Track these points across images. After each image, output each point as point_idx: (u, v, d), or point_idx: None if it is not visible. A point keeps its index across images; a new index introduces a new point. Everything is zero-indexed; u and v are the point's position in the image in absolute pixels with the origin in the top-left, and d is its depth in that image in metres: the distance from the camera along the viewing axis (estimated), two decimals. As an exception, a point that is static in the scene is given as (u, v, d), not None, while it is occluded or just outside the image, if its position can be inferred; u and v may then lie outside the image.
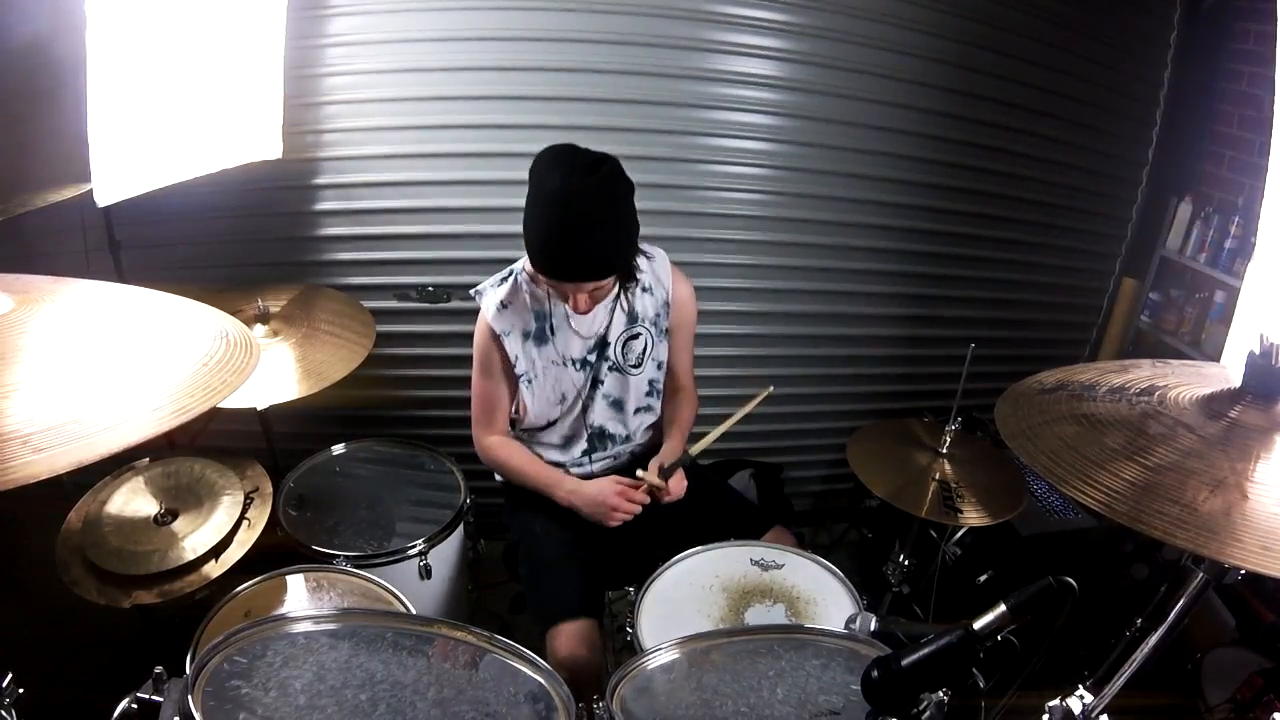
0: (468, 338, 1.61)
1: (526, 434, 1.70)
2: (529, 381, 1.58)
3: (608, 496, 1.52)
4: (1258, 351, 0.87)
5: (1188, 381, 0.95)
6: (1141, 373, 1.00)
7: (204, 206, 1.98)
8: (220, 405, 1.57)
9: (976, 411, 2.45)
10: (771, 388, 1.62)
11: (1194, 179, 2.52)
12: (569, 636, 1.42)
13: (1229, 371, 0.96)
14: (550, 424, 1.65)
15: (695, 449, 1.58)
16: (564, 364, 1.58)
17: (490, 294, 1.56)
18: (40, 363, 0.74)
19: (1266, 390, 0.87)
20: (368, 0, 1.99)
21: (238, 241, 2.16)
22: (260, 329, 1.67)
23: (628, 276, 1.52)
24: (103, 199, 1.50)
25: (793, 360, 2.56)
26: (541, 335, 1.56)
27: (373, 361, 1.74)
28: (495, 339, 1.54)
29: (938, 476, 1.64)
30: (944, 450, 1.70)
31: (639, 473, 1.55)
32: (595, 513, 1.54)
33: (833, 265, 2.43)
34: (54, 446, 0.64)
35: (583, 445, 1.67)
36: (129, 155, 1.54)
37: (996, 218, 2.50)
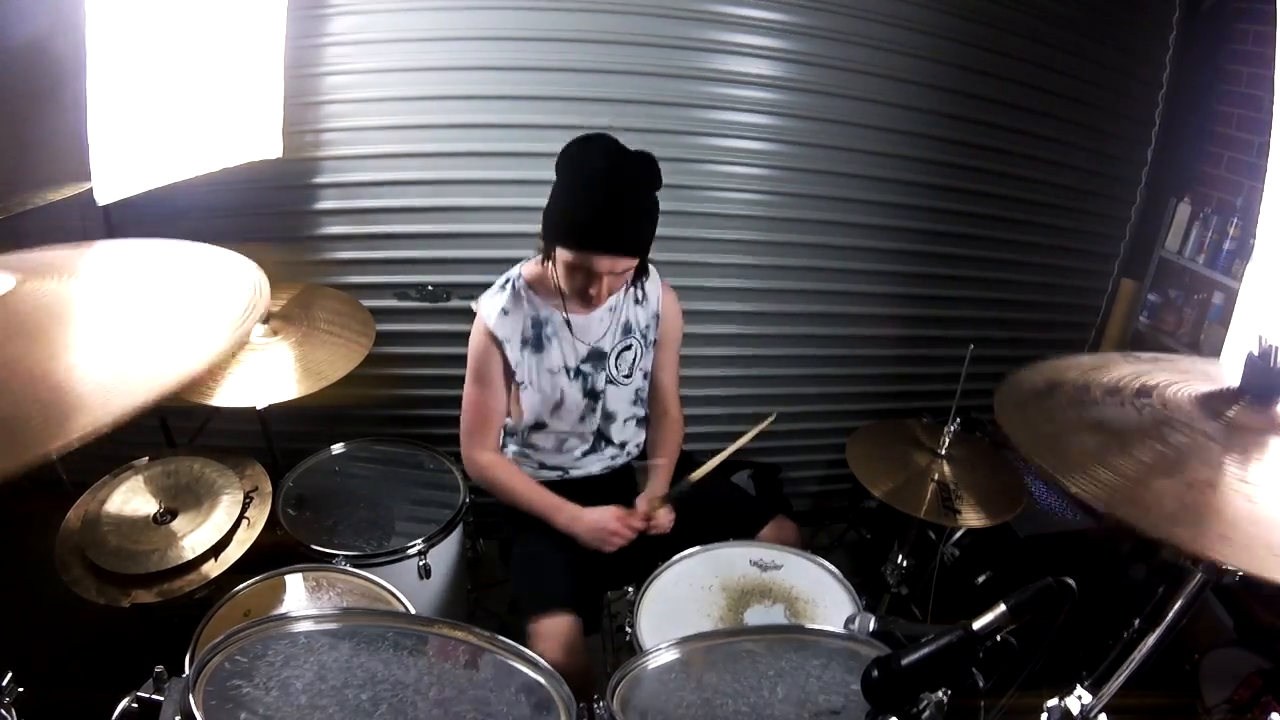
0: (467, 337, 1.61)
1: (523, 435, 1.69)
2: (525, 388, 1.58)
3: (608, 523, 1.53)
4: (1256, 352, 0.87)
5: (1173, 380, 0.94)
6: (1123, 370, 0.98)
7: (204, 205, 1.98)
8: (220, 404, 1.57)
9: (976, 412, 2.46)
10: (774, 415, 1.62)
11: (1193, 179, 2.52)
12: (548, 633, 1.41)
13: (1217, 368, 0.96)
14: (546, 428, 1.65)
15: (695, 476, 1.57)
16: (558, 371, 1.59)
17: (490, 301, 1.56)
18: (82, 324, 0.76)
19: (1265, 391, 0.87)
20: (367, 0, 1.99)
21: (238, 240, 2.13)
22: (260, 329, 1.67)
23: (643, 269, 1.53)
24: (103, 198, 1.50)
25: (791, 360, 2.56)
26: (538, 343, 1.57)
27: (372, 361, 1.74)
28: (497, 344, 1.54)
29: (936, 477, 1.65)
30: (943, 451, 1.70)
31: (638, 502, 1.57)
32: (595, 538, 1.54)
33: (831, 265, 2.43)
34: (108, 397, 0.65)
35: (584, 447, 1.69)
36: (129, 154, 1.54)
37: (995, 218, 2.50)
